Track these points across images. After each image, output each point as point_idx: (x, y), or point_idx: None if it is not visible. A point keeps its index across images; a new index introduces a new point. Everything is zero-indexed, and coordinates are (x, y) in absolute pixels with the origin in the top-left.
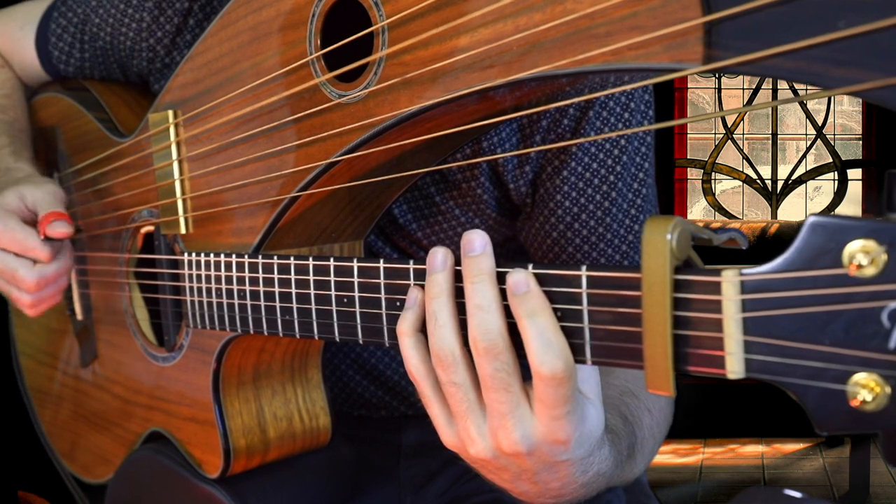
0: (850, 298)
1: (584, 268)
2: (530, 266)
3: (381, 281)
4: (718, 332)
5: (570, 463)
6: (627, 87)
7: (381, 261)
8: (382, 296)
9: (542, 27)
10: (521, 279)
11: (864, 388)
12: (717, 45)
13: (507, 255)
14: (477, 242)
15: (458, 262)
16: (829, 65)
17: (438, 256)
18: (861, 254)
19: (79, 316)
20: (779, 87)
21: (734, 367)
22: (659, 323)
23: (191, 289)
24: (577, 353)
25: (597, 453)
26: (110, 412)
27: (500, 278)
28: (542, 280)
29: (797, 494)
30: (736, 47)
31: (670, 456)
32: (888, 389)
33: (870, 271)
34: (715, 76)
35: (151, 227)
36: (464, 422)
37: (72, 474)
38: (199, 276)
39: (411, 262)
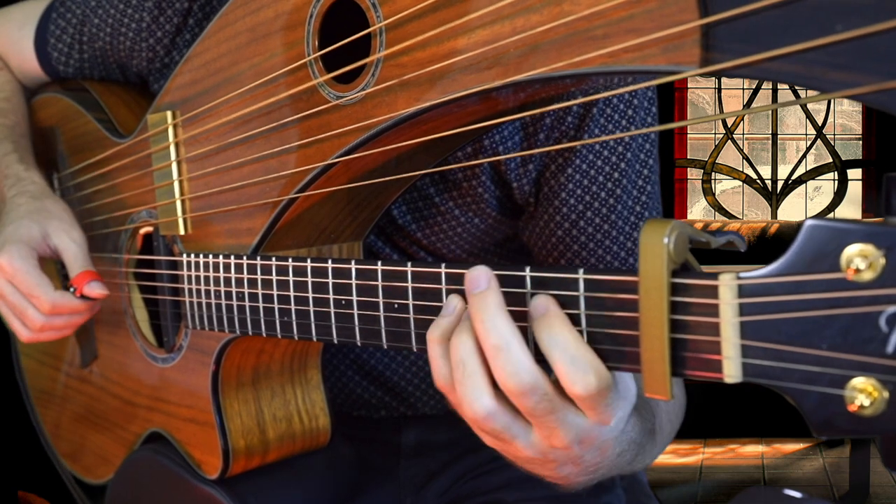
0: (848, 303)
1: (581, 271)
2: (528, 269)
3: (379, 283)
4: (716, 335)
5: (612, 440)
6: (630, 88)
7: (379, 263)
8: (380, 299)
9: (539, 29)
10: (541, 303)
11: (862, 392)
12: (715, 48)
13: (508, 255)
14: (482, 279)
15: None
16: (827, 68)
17: (454, 301)
18: (859, 258)
19: None
20: (779, 87)
21: (731, 372)
22: (656, 327)
23: (189, 290)
24: None
25: (629, 421)
26: (110, 413)
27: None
28: (539, 283)
29: (797, 494)
30: (733, 50)
31: (670, 456)
32: (886, 394)
33: (868, 275)
34: (714, 76)
35: (150, 228)
36: (510, 446)
37: (72, 474)
38: (197, 278)
39: (409, 263)
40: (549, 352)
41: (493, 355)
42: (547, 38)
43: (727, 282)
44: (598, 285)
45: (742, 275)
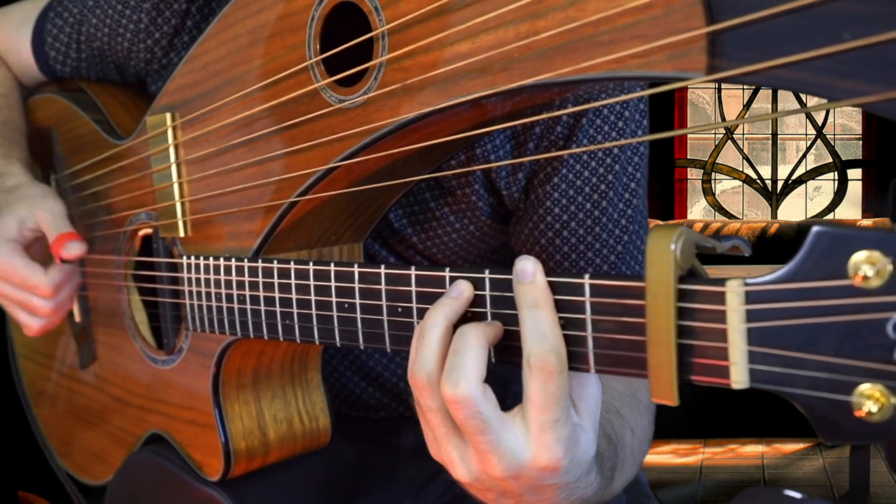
0: (855, 310)
1: (587, 276)
2: None
3: (383, 287)
4: (723, 342)
5: (556, 487)
6: (622, 98)
7: (383, 267)
8: (384, 302)
9: (544, 34)
10: (529, 268)
11: (870, 398)
12: (721, 55)
13: (504, 261)
14: (462, 285)
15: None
16: (834, 76)
17: (461, 285)
18: (866, 265)
19: (77, 318)
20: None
21: (738, 377)
22: (663, 332)
23: (190, 292)
24: (581, 362)
25: (584, 479)
26: (109, 414)
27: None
28: None
29: (797, 494)
30: (739, 57)
31: (670, 456)
32: (894, 400)
33: (875, 282)
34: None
35: (150, 230)
36: (445, 446)
37: (69, 475)
38: (198, 280)
39: (413, 268)
40: (525, 320)
41: (448, 354)
42: (552, 43)
43: (734, 288)
44: (604, 290)
45: (749, 281)
